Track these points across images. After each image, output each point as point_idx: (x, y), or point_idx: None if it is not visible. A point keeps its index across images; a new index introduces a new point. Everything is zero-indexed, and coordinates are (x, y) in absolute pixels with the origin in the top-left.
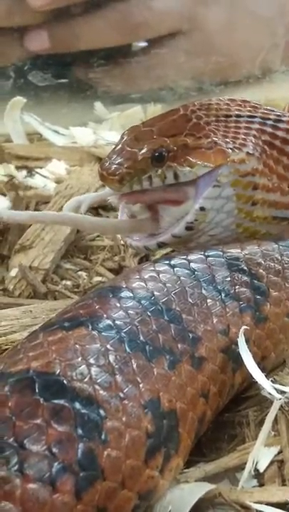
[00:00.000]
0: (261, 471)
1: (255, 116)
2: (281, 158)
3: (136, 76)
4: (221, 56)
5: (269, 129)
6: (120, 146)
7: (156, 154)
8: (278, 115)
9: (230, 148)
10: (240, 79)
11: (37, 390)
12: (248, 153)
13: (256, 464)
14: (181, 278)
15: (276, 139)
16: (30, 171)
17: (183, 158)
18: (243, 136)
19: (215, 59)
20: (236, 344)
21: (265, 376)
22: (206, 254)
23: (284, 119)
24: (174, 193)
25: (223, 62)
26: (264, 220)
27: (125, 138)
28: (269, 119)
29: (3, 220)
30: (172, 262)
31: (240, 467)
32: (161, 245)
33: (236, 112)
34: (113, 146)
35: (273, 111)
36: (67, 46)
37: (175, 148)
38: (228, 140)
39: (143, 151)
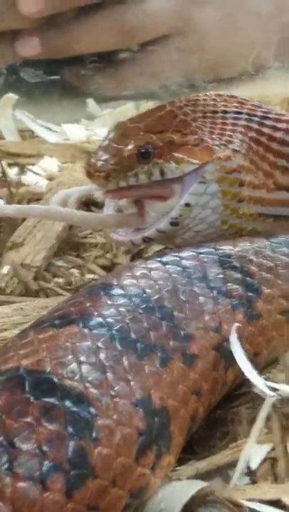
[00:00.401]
0: (253, 468)
1: (241, 113)
2: (267, 155)
3: (128, 73)
4: (214, 54)
5: (255, 126)
6: (107, 142)
7: (143, 151)
8: (265, 111)
9: (217, 145)
10: (234, 76)
11: (27, 388)
12: (234, 150)
13: (248, 462)
14: (173, 275)
15: (262, 136)
16: (22, 168)
17: (169, 155)
18: (230, 133)
19: (207, 56)
20: (228, 341)
21: (258, 373)
22: (198, 251)
23: (270, 115)
24: (159, 188)
25: (216, 59)
26: (250, 216)
27: (112, 134)
28: (255, 115)
29: None
30: (164, 259)
31: (233, 465)
32: (146, 240)
33: (223, 108)
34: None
35: (260, 107)
36: (59, 52)
37: (161, 144)
38: (214, 137)
39: (129, 147)
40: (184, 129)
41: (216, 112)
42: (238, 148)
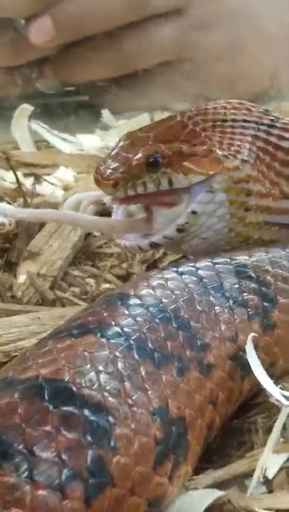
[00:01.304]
0: (270, 477)
1: (249, 121)
2: (273, 164)
3: (143, 84)
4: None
5: (263, 135)
6: (116, 151)
7: (151, 160)
8: (272, 119)
9: (225, 156)
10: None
11: (46, 397)
12: (242, 160)
13: (265, 471)
14: (189, 285)
15: (269, 145)
16: (38, 178)
17: (178, 165)
18: (238, 143)
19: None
20: (244, 351)
21: (274, 383)
22: (214, 261)
23: (277, 124)
24: (167, 195)
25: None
26: (256, 225)
27: (121, 143)
28: (263, 123)
29: (6, 217)
30: (180, 269)
31: (249, 474)
32: (153, 245)
33: (232, 117)
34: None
35: (267, 114)
36: (67, 78)
37: (170, 154)
38: (223, 147)
39: (138, 156)
40: (194, 139)
41: (225, 121)
42: (246, 158)
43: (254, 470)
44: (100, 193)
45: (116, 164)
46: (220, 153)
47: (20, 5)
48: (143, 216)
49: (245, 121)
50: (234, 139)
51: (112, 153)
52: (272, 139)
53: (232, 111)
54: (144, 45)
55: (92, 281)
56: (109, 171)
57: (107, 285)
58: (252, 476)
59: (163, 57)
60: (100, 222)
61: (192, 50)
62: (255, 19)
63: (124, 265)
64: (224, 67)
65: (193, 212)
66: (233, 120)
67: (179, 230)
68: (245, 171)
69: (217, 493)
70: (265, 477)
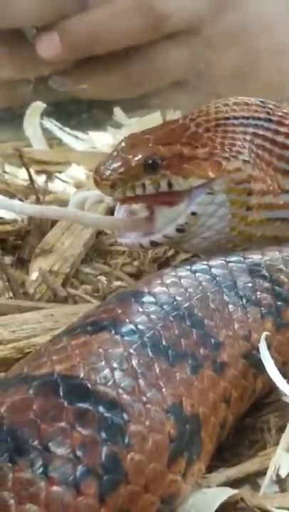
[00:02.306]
0: (283, 476)
1: (248, 117)
2: (272, 160)
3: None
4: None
5: (261, 131)
6: (115, 152)
7: (150, 162)
8: (268, 112)
9: (227, 158)
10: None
11: (61, 394)
12: (244, 160)
13: (278, 470)
14: (203, 283)
15: (266, 141)
16: (50, 176)
17: (178, 168)
18: (240, 142)
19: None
20: (257, 350)
21: (287, 382)
22: (227, 259)
23: (273, 118)
24: (168, 194)
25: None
26: (259, 223)
27: (122, 144)
28: (260, 118)
29: (15, 212)
30: (193, 268)
31: (262, 472)
32: (153, 244)
33: (233, 114)
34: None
35: (264, 107)
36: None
37: (169, 156)
38: (225, 148)
39: (136, 157)
40: (195, 142)
41: (227, 119)
42: (247, 159)
43: (267, 469)
44: None
45: (115, 165)
46: (221, 155)
47: (34, 14)
48: (145, 215)
49: (244, 117)
50: (236, 138)
51: (112, 153)
52: (269, 134)
53: (233, 107)
54: (156, 66)
55: (103, 278)
56: (107, 171)
57: (119, 283)
58: (264, 474)
59: (175, 76)
60: (102, 221)
61: (205, 68)
62: (268, 33)
63: (135, 263)
64: (236, 83)
65: (193, 214)
66: (235, 117)
67: (179, 230)
68: (246, 171)
69: (230, 492)
70: (277, 476)
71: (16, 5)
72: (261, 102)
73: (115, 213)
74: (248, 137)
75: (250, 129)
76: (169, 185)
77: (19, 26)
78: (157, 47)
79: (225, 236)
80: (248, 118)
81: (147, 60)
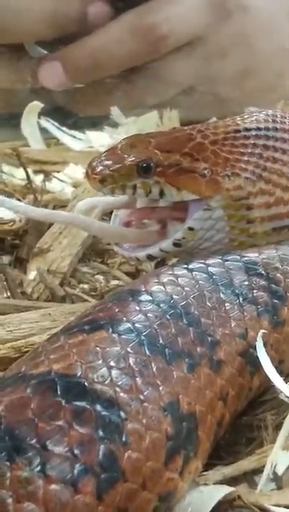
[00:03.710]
0: (279, 474)
1: (261, 128)
2: (282, 169)
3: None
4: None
5: (270, 142)
6: (113, 148)
7: (144, 165)
8: (274, 120)
9: (227, 176)
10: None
11: (59, 392)
12: (245, 178)
13: (274, 467)
14: (200, 282)
15: (276, 152)
16: (48, 175)
17: (172, 178)
18: (246, 158)
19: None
20: (254, 348)
21: (283, 380)
22: (224, 258)
23: (278, 125)
24: (181, 211)
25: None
26: (264, 234)
27: (122, 142)
28: (269, 128)
29: (19, 214)
30: (190, 266)
31: (259, 470)
32: (150, 257)
33: (245, 125)
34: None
35: (274, 115)
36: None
37: (166, 164)
38: (228, 164)
39: (130, 158)
40: (197, 154)
41: (238, 131)
42: (249, 176)
43: (264, 466)
44: (114, 199)
45: (108, 161)
46: (221, 172)
47: (34, 30)
48: (156, 228)
49: (258, 128)
50: (243, 152)
51: (109, 150)
52: (277, 144)
53: (246, 119)
54: (159, 81)
55: (101, 277)
56: (100, 166)
57: (116, 282)
58: (261, 472)
59: (179, 89)
60: (111, 231)
61: (208, 79)
62: (269, 37)
63: (133, 262)
64: (239, 88)
65: (190, 229)
66: (246, 129)
67: (176, 245)
68: (246, 188)
69: (227, 489)
70: (274, 473)
71: (16, 21)
72: (274, 112)
73: (111, 222)
74: (258, 150)
75: (261, 141)
76: (161, 193)
77: (20, 42)
78: (161, 61)
79: (225, 247)
80: (260, 129)
81: (152, 76)
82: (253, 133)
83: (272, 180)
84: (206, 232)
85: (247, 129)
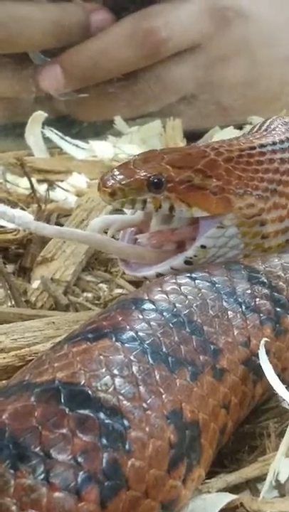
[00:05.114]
0: (282, 481)
1: (276, 142)
2: None
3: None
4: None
5: (286, 155)
6: (126, 163)
7: (154, 180)
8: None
9: (239, 194)
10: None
11: (62, 400)
12: (257, 196)
13: (277, 475)
14: (202, 290)
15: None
16: (51, 184)
17: (183, 195)
18: (260, 175)
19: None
20: (257, 356)
21: (286, 388)
22: (227, 267)
23: None
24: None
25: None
26: (278, 247)
27: (136, 157)
28: (282, 141)
29: (30, 231)
30: (193, 275)
31: (261, 478)
32: (159, 276)
33: (259, 142)
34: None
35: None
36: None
37: (176, 180)
38: (240, 182)
39: (142, 172)
40: (210, 171)
41: (253, 148)
42: (261, 193)
43: (266, 474)
44: (130, 217)
45: (119, 176)
46: (233, 191)
47: (39, 40)
48: (172, 247)
49: (273, 143)
50: (257, 170)
51: (122, 164)
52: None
53: (259, 134)
54: (160, 87)
55: (104, 286)
56: (111, 180)
57: (120, 290)
58: (264, 480)
59: (180, 94)
60: (129, 251)
61: (210, 87)
62: (269, 45)
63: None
64: (242, 97)
65: (203, 247)
66: (261, 146)
67: (187, 263)
68: (258, 206)
69: (230, 497)
70: (277, 481)
71: (21, 32)
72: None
73: (120, 239)
74: (274, 166)
75: (278, 155)
76: (171, 209)
77: (24, 51)
78: (162, 67)
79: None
80: (274, 144)
81: (153, 81)
82: (269, 148)
83: (286, 193)
84: (218, 249)
85: (262, 145)
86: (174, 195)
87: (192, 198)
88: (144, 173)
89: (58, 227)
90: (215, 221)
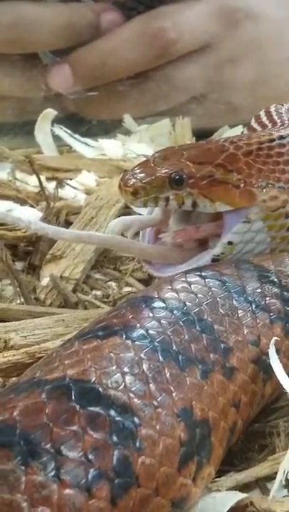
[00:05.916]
0: None
1: None
2: None
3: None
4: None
5: None
6: (146, 161)
7: (176, 177)
8: None
9: (262, 187)
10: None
11: (73, 398)
12: (280, 188)
13: (287, 474)
14: (213, 289)
15: None
16: (60, 182)
17: (205, 190)
18: (281, 166)
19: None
20: (267, 355)
21: None
22: (237, 265)
23: None
24: (219, 227)
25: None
26: None
27: (156, 155)
28: None
29: (48, 236)
30: (203, 273)
31: (271, 477)
32: None
33: (279, 134)
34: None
35: None
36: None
37: (198, 176)
38: (262, 175)
39: (163, 170)
40: (230, 165)
41: (272, 140)
42: (284, 185)
43: (276, 473)
44: (149, 217)
45: (141, 174)
46: (256, 183)
47: (49, 40)
48: (194, 245)
49: None
50: (279, 162)
51: (142, 163)
52: None
53: (279, 127)
54: (170, 86)
55: (113, 284)
56: (132, 179)
57: (129, 288)
58: (274, 479)
59: (190, 94)
60: (151, 251)
61: (219, 86)
62: (282, 43)
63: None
64: (251, 96)
65: (229, 243)
66: (281, 137)
67: (214, 260)
68: (281, 198)
69: (239, 496)
70: (287, 480)
71: (30, 32)
72: None
73: (140, 239)
74: None
75: None
76: (194, 205)
77: (34, 51)
78: (172, 67)
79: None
80: None
81: (163, 81)
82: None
83: None
84: (244, 245)
85: (282, 137)
86: (197, 190)
87: (215, 193)
88: (165, 171)
89: (76, 231)
90: (240, 216)
